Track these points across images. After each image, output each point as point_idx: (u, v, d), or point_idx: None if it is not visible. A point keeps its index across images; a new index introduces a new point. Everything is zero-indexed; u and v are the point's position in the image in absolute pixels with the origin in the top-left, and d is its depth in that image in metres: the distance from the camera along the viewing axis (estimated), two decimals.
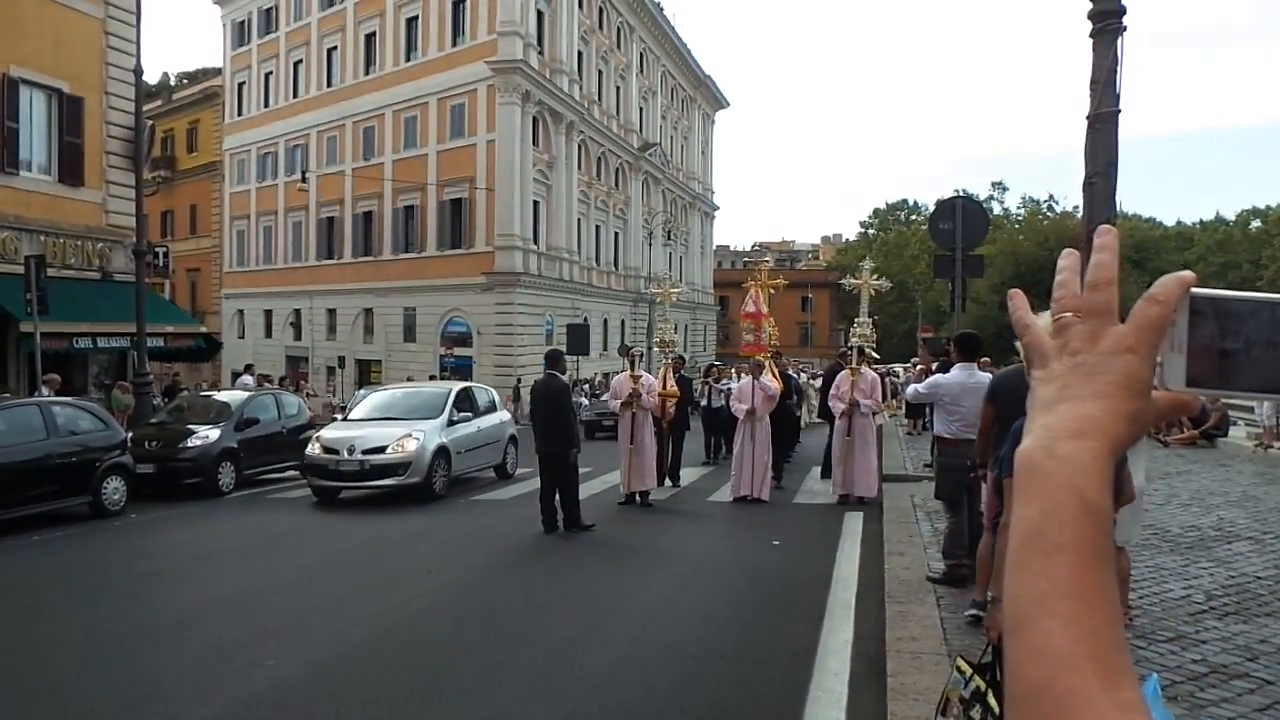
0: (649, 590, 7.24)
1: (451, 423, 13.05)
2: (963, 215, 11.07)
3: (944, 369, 7.91)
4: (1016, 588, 0.58)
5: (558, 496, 9.79)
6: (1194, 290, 0.62)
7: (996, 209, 59.52)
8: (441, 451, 12.60)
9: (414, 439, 12.25)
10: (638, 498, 11.52)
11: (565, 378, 10.56)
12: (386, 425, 12.77)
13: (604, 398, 18.89)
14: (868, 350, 11.94)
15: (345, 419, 14.21)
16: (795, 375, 18.18)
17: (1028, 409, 0.64)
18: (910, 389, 8.00)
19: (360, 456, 12.14)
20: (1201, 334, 0.62)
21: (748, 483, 11.47)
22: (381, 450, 12.15)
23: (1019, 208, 62.62)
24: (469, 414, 13.67)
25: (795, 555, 8.40)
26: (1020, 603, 0.57)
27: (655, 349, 12.79)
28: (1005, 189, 79.81)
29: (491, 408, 14.79)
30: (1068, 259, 0.67)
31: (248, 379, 22.07)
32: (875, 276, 12.01)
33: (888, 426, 15.26)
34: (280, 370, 35.36)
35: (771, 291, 13.38)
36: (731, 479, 11.81)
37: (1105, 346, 0.61)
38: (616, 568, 8.19)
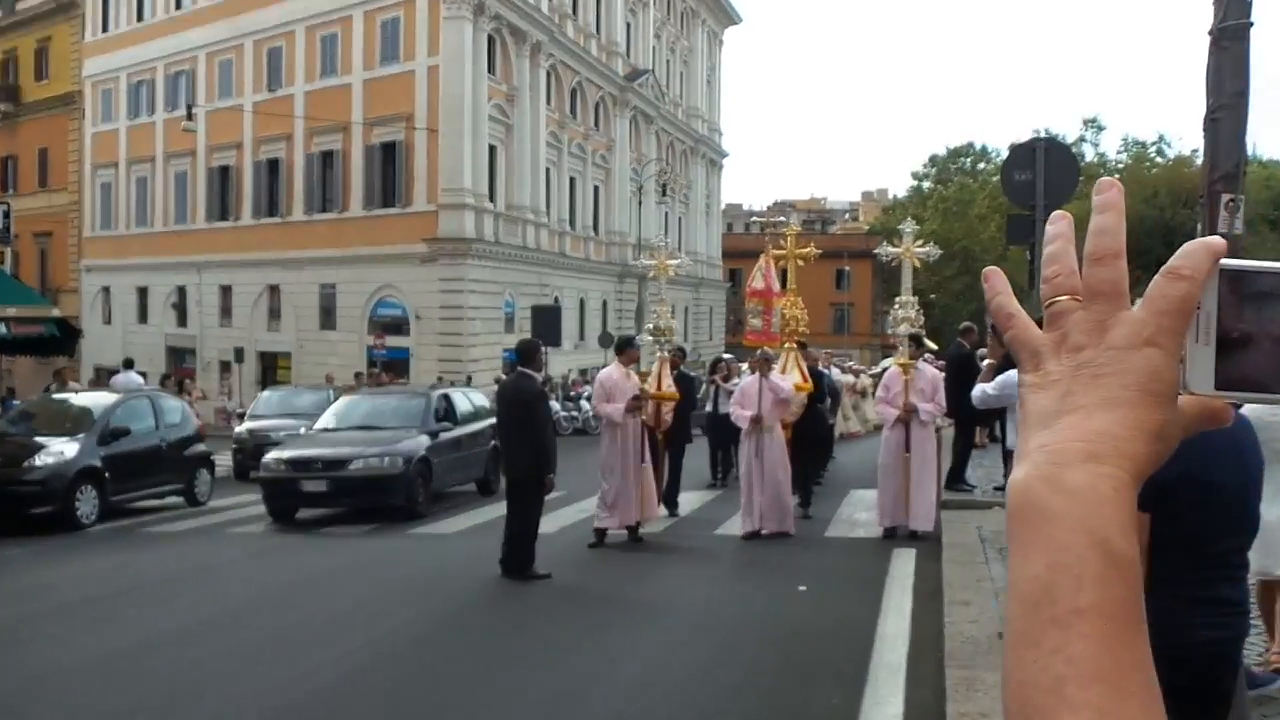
0: (636, 651, 7.26)
1: None
2: (1045, 163, 11.08)
3: (1011, 364, 7.90)
4: (1022, 671, 0.56)
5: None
6: (1224, 261, 0.60)
7: (1089, 154, 59.66)
8: None
9: None
10: (627, 531, 11.50)
11: (540, 378, 10.54)
12: None
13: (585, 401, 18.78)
14: (923, 339, 11.96)
15: None
16: (827, 371, 18.21)
17: (1017, 425, 0.64)
18: (977, 390, 8.04)
19: None
20: (1237, 320, 0.60)
21: (759, 513, 11.44)
22: None
23: (1119, 152, 62.57)
24: None
25: (828, 605, 8.44)
26: (1028, 692, 0.55)
27: (648, 338, 12.76)
28: (1101, 128, 79.67)
29: None
30: (1058, 224, 0.66)
31: (133, 377, 21.26)
32: (920, 242, 12.03)
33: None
34: (159, 366, 35.23)
35: (800, 263, 13.38)
36: (742, 507, 11.81)
37: (1117, 339, 0.60)
38: (594, 622, 8.22)
